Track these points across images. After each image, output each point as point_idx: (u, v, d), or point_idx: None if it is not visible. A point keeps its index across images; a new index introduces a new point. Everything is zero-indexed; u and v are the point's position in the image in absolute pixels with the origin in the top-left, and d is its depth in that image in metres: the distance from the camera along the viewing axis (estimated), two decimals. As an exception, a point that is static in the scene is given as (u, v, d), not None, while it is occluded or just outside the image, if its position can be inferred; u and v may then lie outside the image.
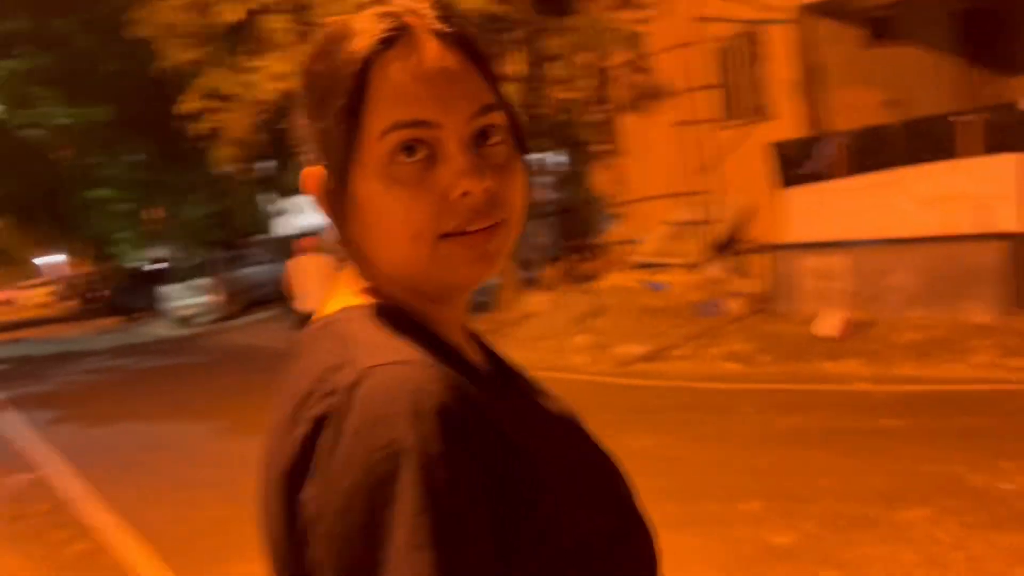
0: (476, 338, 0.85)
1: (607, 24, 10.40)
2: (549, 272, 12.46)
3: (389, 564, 0.61)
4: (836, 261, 8.32)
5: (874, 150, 8.34)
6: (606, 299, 10.09)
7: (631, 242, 12.56)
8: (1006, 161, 7.22)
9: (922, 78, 11.44)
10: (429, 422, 0.63)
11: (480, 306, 13.04)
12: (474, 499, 0.64)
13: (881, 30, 11.21)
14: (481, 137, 0.72)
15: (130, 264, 27.58)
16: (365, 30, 0.72)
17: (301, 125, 0.77)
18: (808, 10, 10.43)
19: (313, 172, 0.76)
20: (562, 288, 11.35)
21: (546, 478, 0.71)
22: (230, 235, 25.76)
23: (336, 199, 0.74)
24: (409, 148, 0.71)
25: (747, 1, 10.72)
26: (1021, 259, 7.08)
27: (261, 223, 27.06)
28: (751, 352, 7.71)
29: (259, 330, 17.16)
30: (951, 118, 7.70)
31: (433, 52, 0.72)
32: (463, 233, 0.72)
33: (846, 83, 10.79)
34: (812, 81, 10.57)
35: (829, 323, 7.41)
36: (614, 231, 13.62)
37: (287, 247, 22.68)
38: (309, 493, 0.65)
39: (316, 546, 0.65)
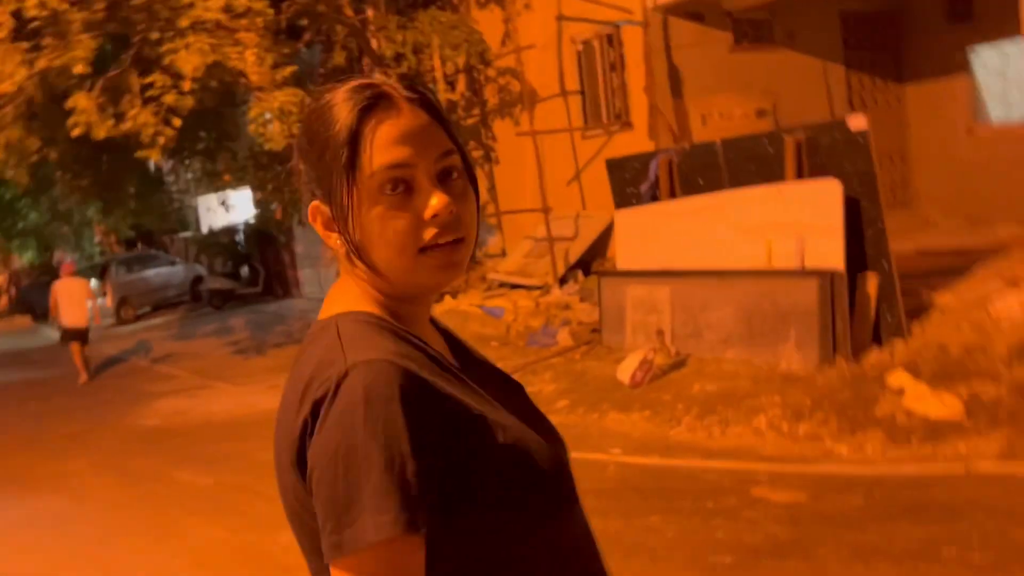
0: (444, 331, 1.12)
1: (451, 22, 9.49)
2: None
3: (361, 501, 0.84)
4: (659, 292, 7.48)
5: (702, 170, 7.50)
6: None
7: (497, 257, 11.70)
8: (828, 187, 6.40)
9: (800, 85, 10.65)
10: (390, 403, 0.86)
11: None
12: (425, 462, 0.86)
13: (754, 34, 10.40)
14: (445, 175, 0.98)
15: (37, 262, 26.43)
16: (352, 99, 0.97)
17: (302, 170, 1.01)
18: (667, 11, 9.58)
19: (318, 207, 1.00)
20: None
21: (493, 446, 0.93)
22: (148, 232, 24.71)
23: (342, 225, 0.98)
24: (392, 183, 0.95)
25: (607, 0, 9.86)
26: (839, 299, 6.27)
27: (184, 221, 25.93)
28: (552, 395, 6.86)
29: (132, 340, 16.17)
30: (784, 135, 6.86)
31: (406, 112, 0.97)
32: (435, 246, 0.96)
33: (714, 90, 9.97)
34: (674, 88, 9.73)
35: (629, 366, 6.57)
36: (490, 244, 12.75)
37: (209, 245, 21.86)
38: (310, 452, 0.89)
39: (313, 488, 0.88)
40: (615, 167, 8.42)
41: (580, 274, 10.04)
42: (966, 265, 8.00)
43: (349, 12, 8.79)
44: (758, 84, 10.31)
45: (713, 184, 7.46)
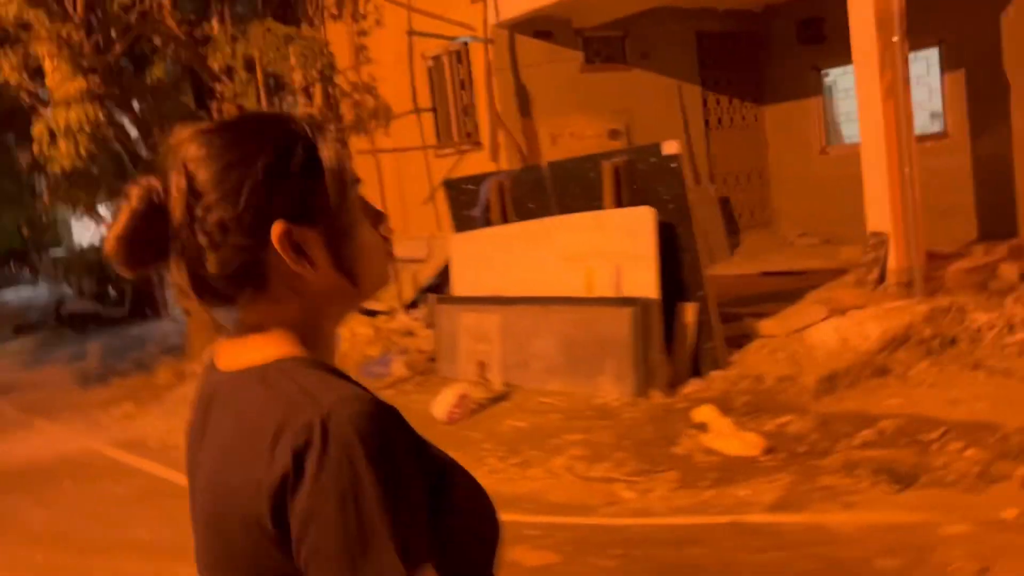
0: None
1: (288, 34, 9.03)
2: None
3: (380, 539, 0.82)
4: (489, 320, 7.19)
5: (531, 194, 7.25)
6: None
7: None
8: (642, 214, 6.21)
9: (654, 105, 10.58)
10: (384, 440, 0.85)
11: (173, 350, 11.54)
12: (415, 492, 0.86)
13: (606, 53, 10.28)
14: None
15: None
16: (311, 125, 0.98)
17: (258, 193, 0.92)
18: (513, 28, 9.35)
19: (294, 231, 0.93)
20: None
21: (452, 477, 0.95)
22: (22, 250, 23.31)
23: (342, 248, 0.97)
24: (362, 200, 1.00)
25: (451, 16, 9.58)
26: (653, 329, 6.08)
27: (57, 237, 24.55)
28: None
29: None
30: (602, 160, 6.65)
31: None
32: (390, 252, 1.05)
33: (565, 110, 9.78)
34: (523, 107, 9.50)
35: (444, 402, 6.24)
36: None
37: (77, 263, 20.67)
38: (300, 503, 0.83)
39: (312, 539, 0.83)
40: (452, 188, 8.12)
41: (432, 298, 9.70)
42: (803, 288, 7.98)
43: (171, 23, 8.26)
44: (611, 104, 10.18)
45: (543, 208, 7.23)
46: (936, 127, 10.37)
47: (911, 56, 10.52)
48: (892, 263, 7.38)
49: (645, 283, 6.15)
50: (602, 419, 5.61)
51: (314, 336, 0.97)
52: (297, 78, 10.58)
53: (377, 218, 1.02)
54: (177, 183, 0.92)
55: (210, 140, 0.94)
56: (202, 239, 0.91)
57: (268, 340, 0.95)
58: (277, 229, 0.91)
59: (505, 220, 7.50)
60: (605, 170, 6.50)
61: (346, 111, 11.22)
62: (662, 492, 4.50)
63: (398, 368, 7.84)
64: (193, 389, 1.06)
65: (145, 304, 18.26)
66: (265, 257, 0.92)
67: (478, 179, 7.86)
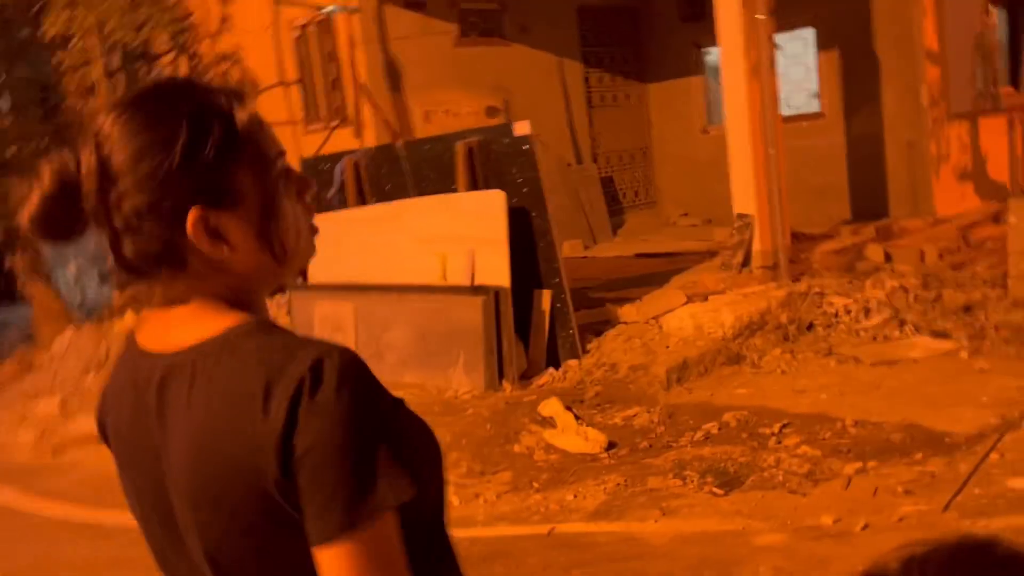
0: None
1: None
2: (117, 298, 10.31)
3: (377, 470, 0.84)
4: (344, 309, 6.80)
5: (388, 174, 6.87)
6: (118, 342, 8.13)
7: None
8: (493, 198, 5.91)
9: (534, 82, 10.28)
10: (372, 381, 0.88)
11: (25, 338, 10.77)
12: (400, 425, 0.91)
13: (483, 27, 9.91)
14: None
15: None
16: (226, 94, 0.93)
17: (155, 177, 0.89)
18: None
19: (206, 214, 0.90)
20: (101, 323, 9.28)
21: (410, 422, 0.96)
22: None
23: (268, 225, 0.93)
24: (285, 172, 0.95)
25: (317, -17, 9.05)
26: (504, 318, 5.81)
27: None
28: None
29: None
30: (455, 140, 6.31)
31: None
32: (315, 227, 1.00)
33: (439, 85, 9.38)
34: (393, 82, 9.06)
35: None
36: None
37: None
38: (300, 442, 0.84)
39: (310, 475, 0.84)
40: (308, 167, 7.66)
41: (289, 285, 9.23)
42: (674, 271, 7.85)
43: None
44: (489, 80, 9.84)
45: (400, 190, 6.86)
46: (815, 107, 10.38)
47: (788, 35, 10.53)
48: (757, 246, 7.29)
49: (497, 270, 5.87)
50: (446, 415, 5.32)
51: (244, 306, 0.95)
52: (160, 47, 9.91)
53: (301, 187, 0.98)
54: (88, 164, 0.90)
55: (124, 117, 0.90)
56: (117, 223, 0.90)
57: (203, 313, 0.93)
58: (191, 217, 0.89)
59: (362, 202, 7.10)
60: (458, 151, 6.17)
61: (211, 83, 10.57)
62: (489, 497, 4.24)
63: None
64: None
65: (12, 285, 17.16)
66: (184, 241, 0.90)
67: (335, 158, 7.43)
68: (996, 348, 5.44)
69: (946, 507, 3.28)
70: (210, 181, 0.89)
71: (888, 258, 8.22)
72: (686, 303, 6.46)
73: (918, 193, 9.50)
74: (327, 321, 6.94)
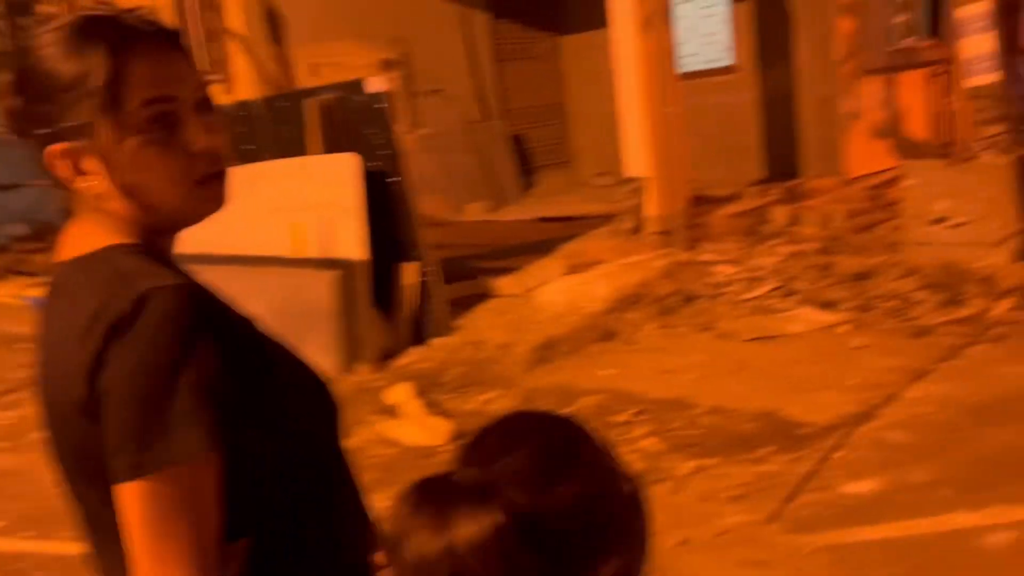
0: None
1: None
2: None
3: (168, 420, 0.83)
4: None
5: (245, 134, 6.29)
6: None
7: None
8: (347, 161, 5.40)
9: (436, 34, 9.68)
10: (192, 325, 0.86)
11: None
12: (223, 374, 0.87)
13: (377, -27, 9.25)
14: (203, 106, 0.96)
15: None
16: (97, 34, 0.91)
17: (19, 111, 0.94)
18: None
19: (62, 150, 0.93)
20: None
21: (274, 362, 0.98)
22: None
23: (108, 165, 0.93)
24: (157, 118, 0.92)
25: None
26: (360, 294, 5.34)
27: None
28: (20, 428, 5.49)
29: None
30: (305, 97, 5.76)
31: (155, 45, 0.94)
32: (209, 178, 0.96)
33: (328, 37, 8.74)
34: (275, 32, 8.40)
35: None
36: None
37: None
38: (105, 376, 0.85)
39: (109, 411, 0.85)
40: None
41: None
42: (570, 236, 7.43)
43: None
44: (384, 30, 9.20)
45: (260, 151, 6.29)
46: (728, 61, 9.93)
47: (704, -15, 10.04)
48: (651, 211, 6.89)
49: (353, 241, 5.38)
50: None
51: (136, 233, 0.96)
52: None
53: (190, 136, 0.94)
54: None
55: (30, 41, 0.95)
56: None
57: (95, 228, 0.96)
58: (54, 150, 0.93)
59: (222, 165, 6.52)
60: (309, 109, 5.62)
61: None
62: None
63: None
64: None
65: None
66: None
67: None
68: (880, 321, 5.12)
69: (771, 518, 2.93)
70: (56, 121, 0.92)
71: (794, 221, 7.90)
72: (567, 274, 6.06)
73: (831, 152, 9.16)
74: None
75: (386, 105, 5.40)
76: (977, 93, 5.20)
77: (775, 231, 7.56)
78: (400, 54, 9.36)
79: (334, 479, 1.02)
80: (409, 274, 5.61)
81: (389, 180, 5.51)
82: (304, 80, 8.64)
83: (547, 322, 5.43)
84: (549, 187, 10.88)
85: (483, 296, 6.11)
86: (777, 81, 9.29)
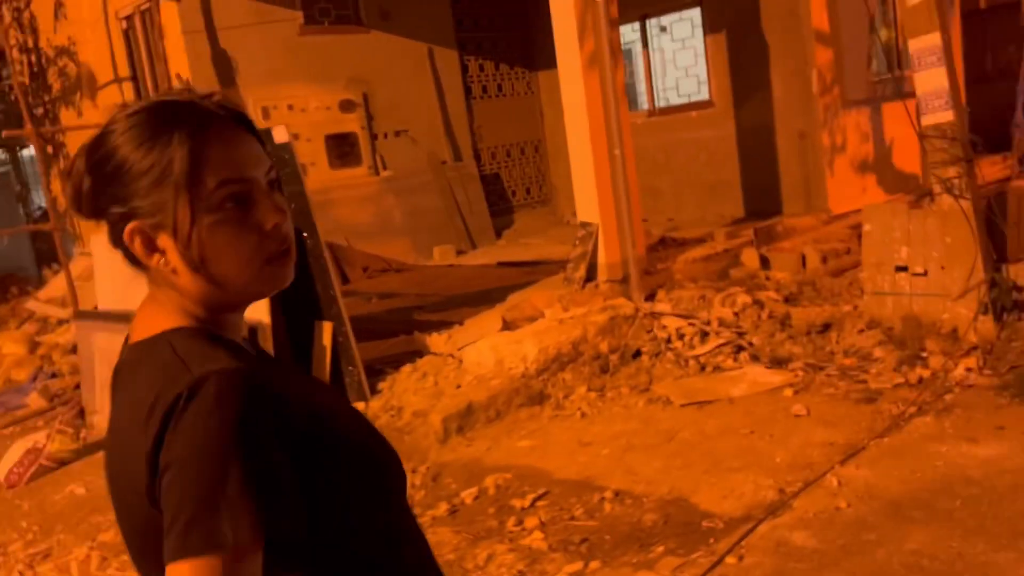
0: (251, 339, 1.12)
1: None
2: None
3: (216, 504, 0.83)
4: (119, 342, 5.94)
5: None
6: None
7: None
8: None
9: (401, 73, 9.40)
10: (244, 410, 0.87)
11: None
12: (279, 456, 0.88)
13: (336, 13, 9.01)
14: (272, 187, 1.00)
15: None
16: (177, 118, 0.96)
17: (96, 192, 0.97)
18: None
19: (138, 228, 0.96)
20: None
21: (340, 435, 0.99)
22: None
23: (183, 243, 0.96)
24: (233, 198, 0.96)
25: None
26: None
27: None
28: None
29: None
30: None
31: (230, 129, 0.98)
32: (276, 257, 0.99)
33: (281, 79, 8.48)
34: (224, 76, 8.16)
35: (11, 457, 4.99)
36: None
37: None
38: (162, 459, 0.86)
39: (163, 493, 0.86)
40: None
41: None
42: (524, 284, 7.04)
43: None
44: (344, 71, 8.95)
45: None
46: (705, 95, 9.53)
47: (676, 16, 9.68)
48: (604, 258, 6.48)
49: (259, 303, 5.01)
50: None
51: (202, 314, 0.99)
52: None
53: (260, 214, 0.98)
54: (70, 164, 1.01)
55: (109, 127, 0.99)
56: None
57: (162, 312, 0.99)
58: (128, 227, 0.96)
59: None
60: None
61: (53, 80, 9.66)
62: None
63: (35, 398, 6.52)
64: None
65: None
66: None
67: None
68: (828, 383, 4.65)
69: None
70: (134, 199, 0.95)
71: (765, 264, 7.45)
72: (503, 329, 5.65)
73: (811, 188, 8.71)
74: (105, 355, 6.08)
75: (291, 156, 5.06)
76: (932, 132, 4.75)
77: (744, 276, 7.11)
78: (360, 95, 9.09)
79: (400, 544, 1.05)
80: (325, 334, 5.24)
81: (300, 236, 5.16)
82: (257, 123, 8.37)
83: (469, 386, 5.02)
84: (526, 227, 10.50)
85: (416, 354, 5.72)
86: (755, 114, 8.88)
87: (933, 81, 4.71)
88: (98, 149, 0.96)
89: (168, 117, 0.95)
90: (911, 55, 4.93)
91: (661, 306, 5.90)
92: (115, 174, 0.95)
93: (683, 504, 3.46)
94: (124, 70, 8.94)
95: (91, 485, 4.70)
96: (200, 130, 0.95)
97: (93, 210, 0.98)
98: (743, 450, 3.92)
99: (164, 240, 0.96)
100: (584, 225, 6.58)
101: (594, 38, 6.33)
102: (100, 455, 5.17)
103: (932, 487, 3.15)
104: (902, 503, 3.08)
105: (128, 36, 8.77)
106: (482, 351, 5.25)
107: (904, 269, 5.25)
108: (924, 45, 4.76)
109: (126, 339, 1.04)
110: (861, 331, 5.30)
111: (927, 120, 4.79)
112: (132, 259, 0.98)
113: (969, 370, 4.41)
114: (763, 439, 4.01)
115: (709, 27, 9.10)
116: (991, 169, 7.58)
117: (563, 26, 6.47)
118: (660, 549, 3.11)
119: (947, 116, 4.69)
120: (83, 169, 0.97)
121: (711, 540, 3.11)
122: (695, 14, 9.28)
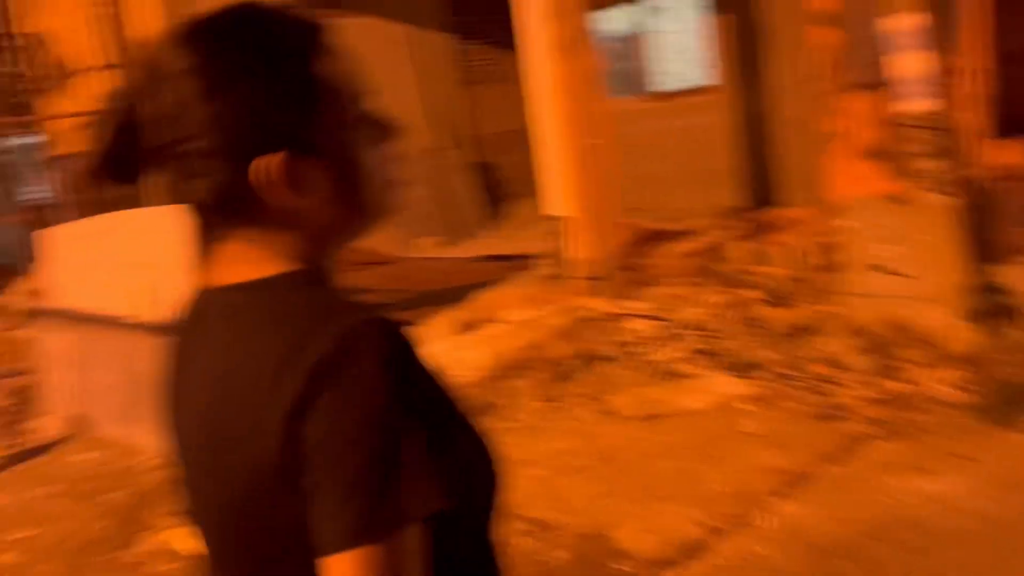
0: None
1: None
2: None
3: (402, 473, 0.71)
4: (68, 341, 5.78)
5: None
6: None
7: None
8: (165, 215, 4.80)
9: (388, 60, 9.10)
10: (408, 364, 0.76)
11: None
12: (444, 416, 0.80)
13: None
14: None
15: None
16: (314, 32, 0.87)
17: (250, 116, 0.80)
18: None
19: (287, 160, 0.81)
20: None
21: (450, 401, 0.83)
22: None
23: (348, 173, 0.85)
24: (364, 120, 0.88)
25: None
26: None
27: None
28: None
29: None
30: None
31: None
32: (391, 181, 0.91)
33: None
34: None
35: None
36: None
37: None
38: (311, 429, 0.72)
39: (320, 470, 0.72)
40: (54, 166, 6.59)
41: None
42: (495, 281, 6.74)
43: None
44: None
45: (138, 196, 5.77)
46: (705, 79, 9.08)
47: (677, -4, 9.23)
48: (574, 254, 6.14)
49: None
50: (83, 499, 4.28)
51: (311, 257, 0.85)
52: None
53: (380, 132, 0.90)
54: (152, 104, 0.81)
55: (193, 49, 0.81)
56: (184, 166, 0.81)
57: (265, 253, 0.83)
58: (271, 163, 0.80)
59: (102, 206, 6.04)
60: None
61: (26, 67, 9.55)
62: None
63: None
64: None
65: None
66: (250, 187, 0.80)
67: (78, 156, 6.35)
68: (791, 395, 4.29)
69: None
70: (286, 125, 0.81)
71: (757, 258, 7.05)
72: (458, 332, 5.36)
73: (815, 176, 8.25)
74: (59, 355, 5.92)
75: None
76: (909, 121, 4.33)
77: (732, 271, 6.72)
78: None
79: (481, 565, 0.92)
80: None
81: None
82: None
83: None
84: (519, 218, 10.16)
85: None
86: (756, 99, 8.43)
87: (910, 65, 4.29)
88: (249, 67, 0.81)
89: (303, 30, 0.87)
90: (882, 35, 4.51)
91: (632, 306, 5.56)
92: (262, 96, 0.81)
93: (601, 540, 3.15)
94: (101, 58, 8.75)
95: (15, 497, 4.52)
96: (327, 38, 0.89)
97: (212, 152, 0.80)
98: (681, 474, 3.59)
99: (306, 170, 0.82)
100: (552, 219, 6.24)
101: (562, 21, 5.96)
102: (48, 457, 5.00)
103: (868, 529, 2.80)
104: (831, 549, 2.73)
105: (103, 23, 8.58)
106: (433, 357, 4.96)
107: (885, 270, 4.85)
108: (900, 25, 4.34)
109: (199, 286, 0.87)
110: (839, 336, 4.92)
111: (904, 107, 4.38)
112: (230, 211, 0.81)
113: (948, 386, 4.02)
114: (705, 462, 3.67)
115: (709, 5, 8.65)
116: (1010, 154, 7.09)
117: (527, 7, 6.11)
118: (559, 595, 2.81)
119: (928, 104, 4.27)
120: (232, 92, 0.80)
121: (617, 586, 2.80)
122: (695, -7, 8.83)
